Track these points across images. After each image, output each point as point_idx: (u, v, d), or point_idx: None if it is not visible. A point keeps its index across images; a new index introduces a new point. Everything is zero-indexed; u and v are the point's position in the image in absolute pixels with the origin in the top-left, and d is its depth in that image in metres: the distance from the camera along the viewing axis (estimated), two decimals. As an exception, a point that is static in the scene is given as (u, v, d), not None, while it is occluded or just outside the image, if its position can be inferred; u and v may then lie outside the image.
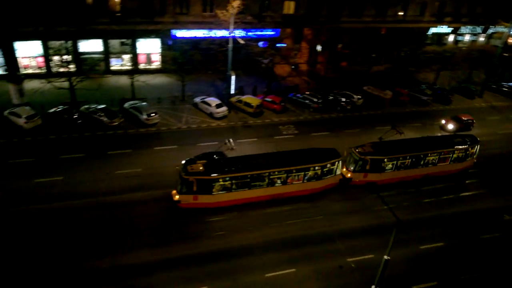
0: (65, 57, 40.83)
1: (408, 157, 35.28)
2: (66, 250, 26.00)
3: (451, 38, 72.65)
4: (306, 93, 50.17)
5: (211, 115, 44.33)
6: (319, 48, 60.56)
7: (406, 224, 28.45)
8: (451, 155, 36.87)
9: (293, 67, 57.13)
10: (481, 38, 76.15)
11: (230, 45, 42.90)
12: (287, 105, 48.33)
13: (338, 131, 44.05)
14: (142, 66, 53.59)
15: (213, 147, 36.32)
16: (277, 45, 55.98)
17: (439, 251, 29.10)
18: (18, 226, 27.51)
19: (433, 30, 67.67)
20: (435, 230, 31.07)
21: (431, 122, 48.44)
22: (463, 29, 71.48)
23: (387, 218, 29.35)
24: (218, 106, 44.22)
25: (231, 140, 31.96)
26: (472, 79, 60.66)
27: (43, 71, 49.24)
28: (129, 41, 50.97)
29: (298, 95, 49.99)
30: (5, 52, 47.23)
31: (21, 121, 38.44)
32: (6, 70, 47.97)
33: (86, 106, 41.94)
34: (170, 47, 50.44)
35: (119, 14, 47.97)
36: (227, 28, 42.74)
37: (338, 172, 34.09)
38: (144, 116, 41.11)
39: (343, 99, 49.57)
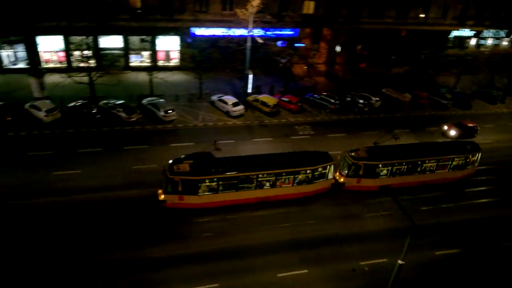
0: (85, 52, 41.32)
1: (404, 163, 33.95)
2: (76, 243, 26.30)
3: (473, 41, 71.29)
4: (324, 93, 49.83)
5: (227, 113, 44.39)
6: (338, 48, 60.07)
7: (420, 229, 28.02)
8: (450, 163, 35.46)
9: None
10: (504, 42, 74.46)
11: (249, 44, 42.88)
12: (304, 106, 48.08)
13: (355, 133, 43.63)
14: (161, 63, 54.02)
15: (229, 145, 36.36)
16: (296, 45, 55.71)
17: (452, 257, 28.66)
18: (34, 218, 27.96)
19: (454, 33, 66.40)
20: (448, 236, 30.60)
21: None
22: (486, 33, 70.02)
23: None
24: (235, 104, 44.24)
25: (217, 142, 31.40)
26: (494, 84, 59.48)
27: (63, 65, 49.95)
28: (148, 38, 51.39)
29: (315, 95, 49.70)
30: (27, 46, 48.24)
31: (41, 114, 39.11)
32: (28, 64, 49.00)
33: (105, 101, 42.43)
34: (189, 44, 50.65)
35: (139, 11, 48.39)
36: (246, 27, 42.74)
37: (330, 176, 33.11)
38: (162, 113, 41.39)
39: (361, 101, 49.09)
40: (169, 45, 53.30)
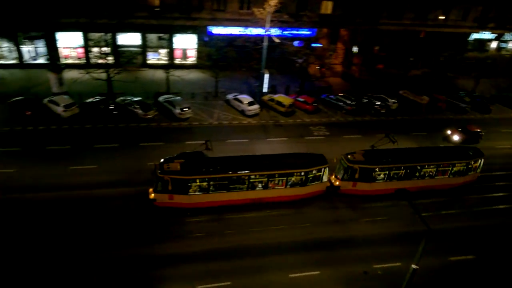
0: (104, 49, 41.80)
1: (402, 168, 32.75)
2: (82, 238, 26.54)
3: (494, 44, 70.04)
4: (340, 94, 49.51)
5: (242, 112, 44.44)
6: (355, 49, 59.65)
7: (435, 233, 27.65)
8: (450, 168, 34.33)
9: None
10: (526, 46, 73.14)
11: (265, 43, 42.86)
12: (320, 106, 47.83)
13: (371, 135, 43.13)
14: (178, 61, 54.41)
15: (244, 144, 36.29)
16: (313, 45, 55.49)
17: (466, 263, 28.23)
18: (48, 211, 28.35)
19: (475, 35, 65.37)
20: (463, 242, 30.09)
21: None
22: (507, 36, 68.75)
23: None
24: (250, 103, 44.27)
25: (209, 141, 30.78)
26: (514, 88, 58.41)
27: (82, 61, 50.71)
28: (166, 36, 51.82)
29: (331, 96, 49.40)
30: (47, 42, 49.07)
31: (60, 109, 39.71)
32: (47, 60, 49.80)
33: (122, 98, 42.90)
34: (206, 43, 50.89)
35: (158, 9, 48.78)
36: (263, 26, 42.72)
37: (325, 179, 32.18)
38: (178, 110, 41.64)
39: (378, 102, 48.62)
40: (186, 44, 53.66)
